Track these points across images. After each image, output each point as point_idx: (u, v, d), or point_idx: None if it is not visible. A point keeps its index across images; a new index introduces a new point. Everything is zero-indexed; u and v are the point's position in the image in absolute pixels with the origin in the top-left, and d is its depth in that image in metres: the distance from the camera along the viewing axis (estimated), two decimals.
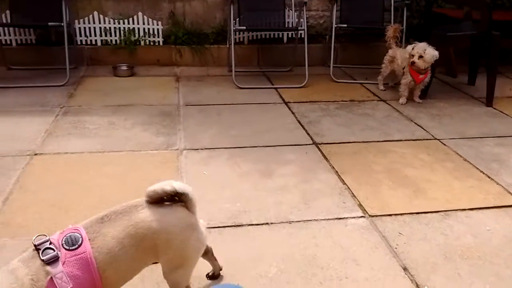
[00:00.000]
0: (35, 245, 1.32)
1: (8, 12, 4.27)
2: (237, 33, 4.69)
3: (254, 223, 2.21)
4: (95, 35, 4.60)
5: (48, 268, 1.28)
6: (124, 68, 4.42)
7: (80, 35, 4.57)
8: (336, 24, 4.49)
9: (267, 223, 2.21)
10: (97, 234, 1.37)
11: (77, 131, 3.11)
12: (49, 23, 3.93)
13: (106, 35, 4.62)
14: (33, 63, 4.41)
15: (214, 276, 1.84)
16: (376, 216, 2.30)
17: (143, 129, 3.20)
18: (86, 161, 2.73)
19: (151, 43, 4.72)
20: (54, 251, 1.30)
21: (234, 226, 2.18)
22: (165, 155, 2.84)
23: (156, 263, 1.52)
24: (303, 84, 4.21)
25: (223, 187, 2.51)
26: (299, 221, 2.24)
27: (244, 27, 4.24)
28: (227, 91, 4.08)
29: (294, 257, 1.98)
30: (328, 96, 4.00)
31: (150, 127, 3.24)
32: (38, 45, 4.53)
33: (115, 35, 4.63)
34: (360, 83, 4.41)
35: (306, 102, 3.87)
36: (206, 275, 1.84)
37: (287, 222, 2.23)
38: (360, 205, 2.38)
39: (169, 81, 4.30)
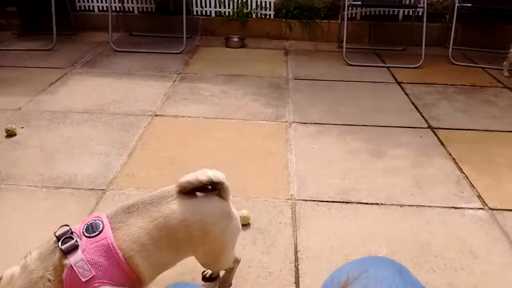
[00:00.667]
0: (56, 237, 1.26)
1: None
2: (350, 8, 4.56)
3: (363, 201, 2.17)
4: (210, 6, 4.74)
5: (68, 258, 1.22)
6: (236, 39, 4.52)
7: (196, 6, 4.74)
8: (459, 3, 4.17)
9: (377, 203, 2.16)
10: (121, 224, 1.31)
11: (193, 97, 3.25)
12: None
13: (220, 7, 4.74)
14: (152, 31, 4.68)
15: (211, 277, 1.69)
16: (497, 209, 2.14)
17: (253, 100, 3.26)
18: (201, 125, 2.86)
19: (262, 16, 4.76)
20: (74, 239, 1.24)
21: (343, 202, 2.15)
22: (274, 126, 2.88)
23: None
24: (418, 65, 3.99)
25: (331, 162, 2.49)
26: (412, 205, 2.15)
27: (360, 2, 4.09)
28: (336, 67, 4.00)
29: (406, 240, 1.92)
30: (446, 79, 3.76)
31: (259, 98, 3.29)
32: (157, 13, 4.77)
33: (229, 7, 4.73)
34: (482, 68, 4.08)
35: (421, 83, 3.67)
36: (202, 276, 1.69)
37: (398, 205, 2.16)
38: (479, 196, 2.23)
39: (278, 54, 4.32)
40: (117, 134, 2.69)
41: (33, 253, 1.27)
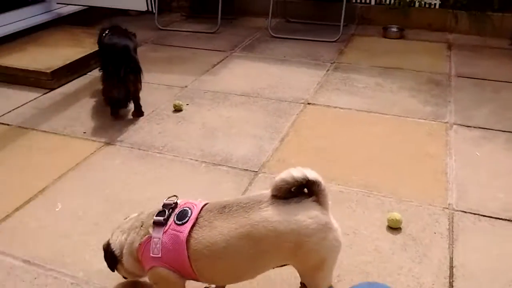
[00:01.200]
0: (164, 203, 1.38)
1: None
2: None
3: None
4: None
5: (152, 229, 1.34)
6: (394, 29, 4.31)
7: None
8: None
9: None
10: (207, 223, 1.31)
11: (346, 88, 3.20)
12: None
13: None
14: (309, 17, 4.69)
15: None
16: None
17: (410, 95, 3.09)
18: (353, 117, 2.80)
19: (427, 6, 4.45)
20: (166, 218, 1.33)
21: (509, 220, 1.93)
22: (432, 126, 2.69)
23: (285, 265, 1.38)
24: None
25: (497, 174, 2.24)
26: None
27: None
28: (507, 67, 3.57)
29: None
30: None
31: (417, 94, 3.11)
32: (317, 0, 4.77)
33: None
34: None
35: None
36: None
37: None
38: None
39: (440, 48, 4.01)
40: (271, 119, 2.78)
41: (150, 210, 1.43)
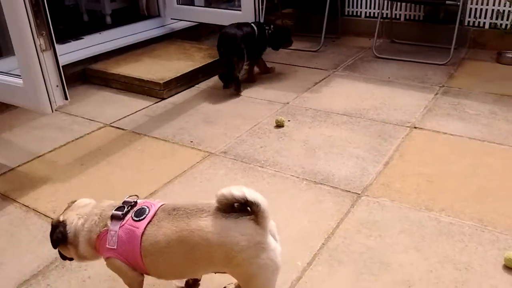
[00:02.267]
0: (124, 201, 1.49)
1: None
2: None
3: None
4: (485, 17, 4.33)
5: (110, 222, 1.43)
6: (510, 55, 4.02)
7: (469, 16, 4.39)
8: None
9: None
10: (157, 222, 1.40)
11: (456, 113, 3.03)
12: (447, 1, 3.90)
13: (496, 18, 4.28)
14: (416, 39, 4.54)
15: None
16: None
17: None
18: (464, 145, 2.65)
19: None
20: (124, 213, 1.44)
21: None
22: None
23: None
24: None
25: None
26: None
27: None
28: None
29: None
30: None
31: None
32: (425, 22, 4.61)
33: (507, 19, 4.23)
34: None
35: None
36: None
37: None
38: None
39: None
40: (374, 141, 2.71)
41: (110, 201, 1.54)
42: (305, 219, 2.05)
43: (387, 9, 4.63)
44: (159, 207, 1.45)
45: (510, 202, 2.13)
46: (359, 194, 2.22)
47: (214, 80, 3.81)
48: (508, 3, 4.19)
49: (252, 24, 3.59)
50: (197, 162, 2.56)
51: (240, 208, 1.35)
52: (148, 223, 1.41)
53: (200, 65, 3.76)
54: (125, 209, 1.45)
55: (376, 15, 4.65)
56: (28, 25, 2.11)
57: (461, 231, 1.94)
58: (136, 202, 1.49)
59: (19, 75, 2.38)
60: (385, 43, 4.65)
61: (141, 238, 1.40)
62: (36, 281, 1.76)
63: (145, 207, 1.45)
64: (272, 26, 3.61)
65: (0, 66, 2.79)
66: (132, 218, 1.44)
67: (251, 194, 1.31)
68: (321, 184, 2.32)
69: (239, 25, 3.53)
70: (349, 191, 2.25)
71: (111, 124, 3.07)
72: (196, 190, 2.30)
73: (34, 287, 1.74)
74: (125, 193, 2.22)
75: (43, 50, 2.17)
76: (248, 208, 1.33)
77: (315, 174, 2.40)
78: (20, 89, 2.39)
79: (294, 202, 2.18)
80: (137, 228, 1.41)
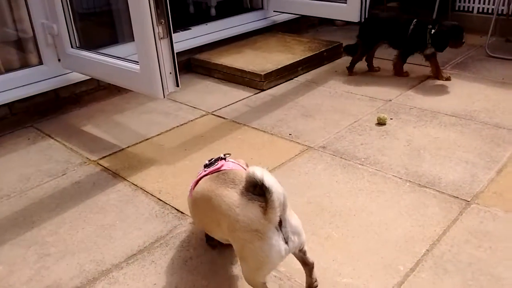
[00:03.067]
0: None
1: None
2: None
3: None
4: None
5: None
6: None
7: None
8: None
9: None
10: (208, 178, 1.64)
11: None
12: None
13: None
14: None
15: None
16: None
17: None
18: None
19: None
20: (208, 164, 1.73)
21: None
22: None
23: None
24: None
25: None
26: None
27: None
28: None
29: None
30: None
31: None
32: None
33: None
34: None
35: None
36: None
37: None
38: None
39: None
40: (486, 146, 2.53)
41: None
42: (408, 223, 1.96)
43: (502, 5, 4.27)
44: (221, 167, 1.65)
45: None
46: (468, 201, 2.08)
47: (313, 73, 3.78)
48: None
49: (410, 17, 3.42)
50: (296, 155, 2.56)
51: (260, 192, 1.35)
52: (205, 175, 1.66)
53: (300, 58, 3.75)
54: (212, 160, 1.72)
55: (490, 11, 4.32)
56: (149, 14, 2.24)
57: None
58: (223, 158, 1.73)
59: (136, 61, 2.54)
60: (499, 41, 4.30)
61: (194, 185, 1.70)
62: (141, 256, 1.88)
63: (218, 163, 1.68)
64: (437, 26, 3.29)
65: (117, 52, 3.00)
66: (203, 168, 1.72)
67: (268, 180, 1.29)
68: (426, 187, 2.21)
69: (391, 14, 3.78)
70: (457, 197, 2.11)
71: (213, 113, 3.18)
72: (291, 183, 2.30)
73: (140, 262, 1.85)
74: None
75: (161, 38, 2.29)
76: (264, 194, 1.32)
77: (420, 177, 2.29)
78: (137, 74, 2.55)
79: (396, 203, 2.10)
80: (198, 176, 1.70)
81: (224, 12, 4.63)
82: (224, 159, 1.72)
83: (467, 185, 2.20)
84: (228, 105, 3.29)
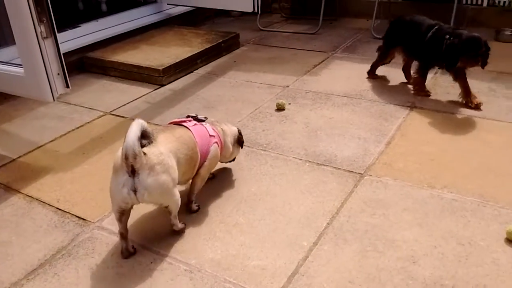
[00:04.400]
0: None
1: None
2: None
3: None
4: None
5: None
6: (508, 33, 4.01)
7: None
8: None
9: None
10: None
11: (455, 91, 2.99)
12: None
13: None
14: None
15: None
16: None
17: None
18: (465, 123, 2.66)
19: None
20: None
21: None
22: None
23: None
24: None
25: None
26: None
27: None
28: None
29: None
30: None
31: None
32: (423, 1, 4.58)
33: None
34: None
35: None
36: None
37: None
38: None
39: None
40: (376, 121, 2.72)
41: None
42: (309, 200, 2.07)
43: None
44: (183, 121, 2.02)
45: (510, 177, 2.14)
46: (362, 174, 2.24)
47: (213, 65, 3.80)
48: None
49: (433, 23, 2.93)
50: None
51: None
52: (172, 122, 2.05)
53: (198, 51, 3.75)
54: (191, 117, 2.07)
55: None
56: (29, 12, 2.10)
57: (464, 207, 1.96)
58: (202, 120, 2.07)
59: (20, 64, 2.37)
60: (383, 23, 4.58)
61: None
62: (43, 271, 1.77)
63: (188, 121, 2.02)
64: (452, 36, 2.72)
65: None
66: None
67: (128, 132, 1.59)
68: (324, 165, 2.33)
69: (417, 18, 3.08)
70: (352, 171, 2.26)
71: (111, 112, 3.07)
72: None
73: (41, 276, 1.75)
74: None
75: (44, 38, 2.16)
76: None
77: (318, 156, 2.41)
78: (21, 78, 2.39)
79: (297, 183, 2.20)
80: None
81: (116, 7, 4.47)
82: (203, 121, 2.05)
83: (360, 159, 2.36)
84: (127, 103, 3.20)
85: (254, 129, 2.72)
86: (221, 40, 3.97)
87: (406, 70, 3.26)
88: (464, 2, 4.37)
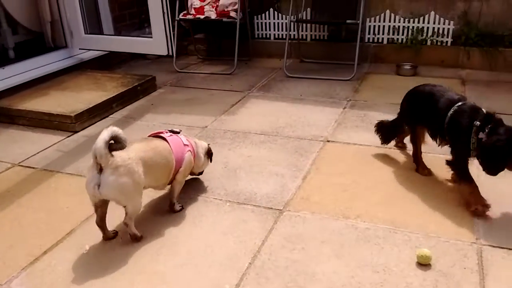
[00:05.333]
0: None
1: (308, 10, 4.73)
2: None
3: None
4: (383, 33, 4.70)
5: None
6: (408, 67, 4.39)
7: (368, 33, 4.74)
8: None
9: None
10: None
11: (364, 125, 3.24)
12: (347, 21, 4.19)
13: (393, 34, 4.67)
14: (323, 57, 4.81)
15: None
16: None
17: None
18: (373, 154, 2.83)
19: (438, 43, 4.54)
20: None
21: None
22: None
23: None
24: None
25: None
26: None
27: None
28: None
29: None
30: None
31: None
32: (329, 41, 4.90)
33: (402, 34, 4.63)
34: None
35: None
36: None
37: None
38: None
39: (453, 84, 4.05)
40: (292, 157, 2.81)
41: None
42: (231, 241, 2.06)
43: (294, 31, 4.86)
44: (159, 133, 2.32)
45: (417, 202, 2.30)
46: (281, 210, 2.28)
47: (129, 109, 3.74)
48: (403, 19, 4.58)
49: (453, 98, 2.31)
50: None
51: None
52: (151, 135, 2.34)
53: (113, 95, 3.68)
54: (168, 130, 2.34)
55: (284, 36, 4.85)
56: None
57: (376, 235, 2.06)
58: (177, 132, 2.37)
59: None
60: (295, 62, 4.87)
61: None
62: None
63: (166, 133, 2.31)
64: (490, 128, 2.06)
65: None
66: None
67: (98, 138, 1.87)
68: (244, 204, 2.35)
69: (432, 89, 2.47)
70: (271, 208, 2.30)
71: (20, 164, 2.89)
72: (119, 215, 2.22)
73: None
74: (39, 236, 2.12)
75: None
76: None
77: (238, 195, 2.43)
78: None
79: (218, 225, 2.19)
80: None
81: (25, 53, 4.28)
82: (178, 133, 2.35)
83: (278, 195, 2.41)
84: (38, 152, 3.04)
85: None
86: (137, 83, 3.94)
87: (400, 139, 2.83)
88: (366, 40, 4.73)
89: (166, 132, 2.30)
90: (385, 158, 2.77)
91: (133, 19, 5.12)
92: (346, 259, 1.92)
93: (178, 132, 2.36)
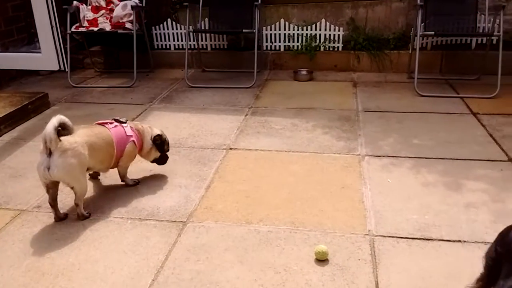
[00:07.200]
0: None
1: (206, 20, 4.78)
2: (421, 38, 4.50)
3: (445, 238, 2.09)
4: (279, 41, 4.88)
5: None
6: (304, 72, 4.60)
7: (266, 41, 4.89)
8: None
9: (459, 241, 2.08)
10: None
11: (265, 130, 3.33)
12: (244, 30, 4.29)
13: (289, 41, 4.86)
14: (224, 66, 4.88)
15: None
16: None
17: (323, 132, 3.28)
18: (274, 158, 2.92)
19: (331, 49, 4.81)
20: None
21: (424, 239, 2.09)
22: (347, 159, 2.87)
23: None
24: (494, 94, 3.85)
25: (408, 197, 2.43)
26: None
27: (433, 32, 4.04)
28: (407, 99, 3.94)
29: None
30: None
31: (330, 130, 3.31)
32: (229, 50, 4.98)
33: (297, 41, 4.84)
34: None
35: (499, 114, 3.53)
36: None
37: (482, 242, 2.06)
38: None
39: (346, 86, 4.34)
40: (195, 167, 2.81)
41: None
42: (132, 259, 2.01)
43: (193, 41, 4.87)
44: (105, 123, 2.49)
45: (314, 201, 2.41)
46: (184, 222, 2.27)
47: (19, 129, 3.51)
48: (297, 27, 4.79)
49: None
50: (7, 223, 2.31)
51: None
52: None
53: (1, 116, 3.42)
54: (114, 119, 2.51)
55: (184, 47, 4.84)
56: None
57: (278, 237, 2.13)
58: (122, 122, 2.54)
59: None
60: (197, 72, 4.88)
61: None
62: None
63: (111, 123, 2.51)
64: None
65: None
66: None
67: (47, 125, 2.07)
68: (146, 220, 2.30)
69: None
70: (175, 221, 2.28)
71: None
72: (8, 255, 2.07)
73: None
74: None
75: None
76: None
77: (140, 211, 2.38)
78: None
79: (119, 244, 2.12)
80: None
81: None
82: (124, 122, 2.51)
83: (182, 207, 2.39)
84: None
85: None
86: (27, 102, 3.70)
87: None
88: (264, 48, 4.87)
89: (111, 123, 2.47)
90: (285, 161, 2.87)
91: (22, 34, 4.81)
92: (249, 263, 1.96)
93: (124, 122, 2.51)
